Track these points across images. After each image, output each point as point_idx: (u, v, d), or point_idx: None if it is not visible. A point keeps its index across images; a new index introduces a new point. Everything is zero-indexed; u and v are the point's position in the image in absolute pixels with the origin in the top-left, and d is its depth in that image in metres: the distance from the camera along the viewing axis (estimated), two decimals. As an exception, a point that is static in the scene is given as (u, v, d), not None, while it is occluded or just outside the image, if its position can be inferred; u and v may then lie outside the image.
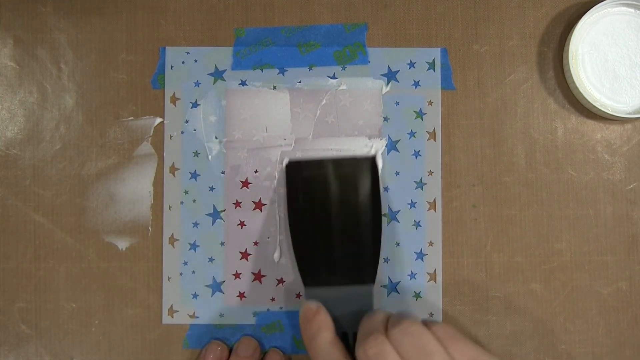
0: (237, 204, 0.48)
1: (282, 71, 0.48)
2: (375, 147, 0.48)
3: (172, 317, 0.47)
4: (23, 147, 0.48)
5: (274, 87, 0.48)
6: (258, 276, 0.47)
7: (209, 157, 0.48)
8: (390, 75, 0.48)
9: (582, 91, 0.46)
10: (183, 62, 0.48)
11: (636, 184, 0.48)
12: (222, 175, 0.48)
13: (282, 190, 0.47)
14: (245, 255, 0.47)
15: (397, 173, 0.48)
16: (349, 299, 0.44)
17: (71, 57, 0.48)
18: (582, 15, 0.46)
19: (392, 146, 0.48)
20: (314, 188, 0.46)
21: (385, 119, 0.48)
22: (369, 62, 0.48)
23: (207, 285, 0.47)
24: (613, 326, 0.47)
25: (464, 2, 0.48)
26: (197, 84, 0.48)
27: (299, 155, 0.47)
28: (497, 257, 0.47)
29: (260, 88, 0.48)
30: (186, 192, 0.48)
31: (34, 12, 0.48)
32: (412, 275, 0.47)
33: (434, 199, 0.48)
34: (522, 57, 0.48)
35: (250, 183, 0.48)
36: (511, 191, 0.48)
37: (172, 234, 0.47)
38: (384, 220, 0.47)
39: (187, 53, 0.48)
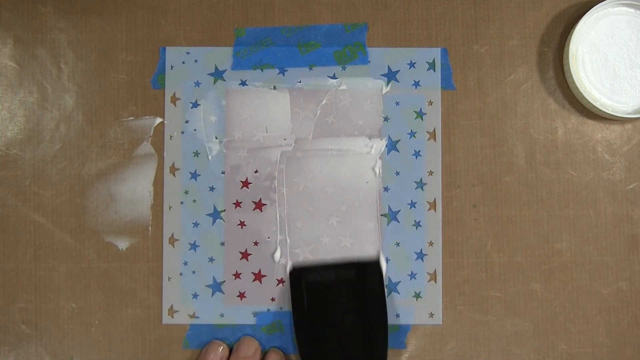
0: (237, 204, 0.48)
1: (282, 71, 0.48)
2: (375, 147, 0.48)
3: (172, 317, 0.47)
4: (23, 147, 0.48)
5: (274, 87, 0.48)
6: (258, 276, 0.47)
7: (209, 157, 0.48)
8: (391, 75, 0.48)
9: (582, 91, 0.46)
10: (183, 62, 0.48)
11: (636, 184, 0.48)
12: (222, 175, 0.48)
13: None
14: (245, 255, 0.47)
15: (397, 173, 0.48)
16: None
17: (71, 57, 0.48)
18: (582, 15, 0.46)
19: (392, 146, 0.48)
20: (319, 294, 0.46)
21: (386, 119, 0.48)
22: (369, 62, 0.48)
23: (207, 285, 0.47)
24: (613, 326, 0.47)
25: (464, 2, 0.48)
26: (197, 84, 0.48)
27: (302, 258, 0.47)
28: (497, 257, 0.47)
29: (261, 88, 0.48)
30: (186, 192, 0.48)
31: (34, 12, 0.48)
32: (412, 275, 0.47)
33: (434, 199, 0.48)
34: (522, 57, 0.48)
35: (250, 183, 0.48)
36: (511, 191, 0.48)
37: (172, 234, 0.47)
38: (384, 220, 0.47)
39: (187, 53, 0.48)
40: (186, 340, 0.47)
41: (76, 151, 0.48)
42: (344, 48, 0.48)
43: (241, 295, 0.47)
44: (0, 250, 0.47)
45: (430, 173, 0.48)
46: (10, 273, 0.47)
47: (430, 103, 0.48)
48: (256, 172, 0.48)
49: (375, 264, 0.46)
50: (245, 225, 0.47)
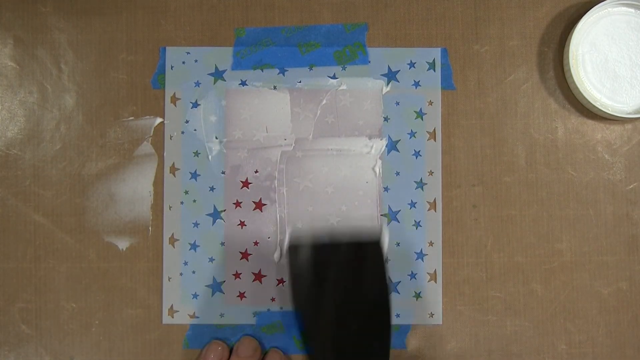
0: (237, 204, 0.48)
1: (282, 71, 0.48)
2: (375, 147, 0.48)
3: (172, 317, 0.47)
4: (23, 147, 0.48)
5: (274, 87, 0.48)
6: (258, 276, 0.47)
7: (209, 157, 0.48)
8: (391, 75, 0.48)
9: (582, 91, 0.46)
10: (183, 62, 0.48)
11: (636, 184, 0.48)
12: (222, 175, 0.48)
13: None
14: (245, 255, 0.47)
15: (397, 173, 0.48)
16: None
17: (71, 57, 0.48)
18: (582, 15, 0.46)
19: (392, 146, 0.48)
20: (317, 272, 0.44)
21: (386, 119, 0.48)
22: (369, 62, 0.48)
23: (207, 285, 0.47)
24: (613, 326, 0.47)
25: (464, 2, 0.48)
26: (197, 84, 0.48)
27: (300, 227, 0.47)
28: (497, 257, 0.47)
29: (261, 88, 0.48)
30: (186, 192, 0.48)
31: (34, 12, 0.48)
32: (412, 275, 0.47)
33: (434, 199, 0.48)
34: (522, 57, 0.48)
35: (250, 183, 0.48)
36: (511, 191, 0.48)
37: (172, 234, 0.47)
38: (384, 220, 0.47)
39: (188, 53, 0.48)
40: (186, 340, 0.47)
41: (76, 151, 0.48)
42: (344, 48, 0.48)
43: (241, 295, 0.47)
44: (0, 250, 0.47)
45: (431, 173, 0.48)
46: (10, 273, 0.47)
47: (431, 103, 0.48)
48: (256, 172, 0.48)
49: (377, 244, 0.45)
50: (245, 225, 0.47)
